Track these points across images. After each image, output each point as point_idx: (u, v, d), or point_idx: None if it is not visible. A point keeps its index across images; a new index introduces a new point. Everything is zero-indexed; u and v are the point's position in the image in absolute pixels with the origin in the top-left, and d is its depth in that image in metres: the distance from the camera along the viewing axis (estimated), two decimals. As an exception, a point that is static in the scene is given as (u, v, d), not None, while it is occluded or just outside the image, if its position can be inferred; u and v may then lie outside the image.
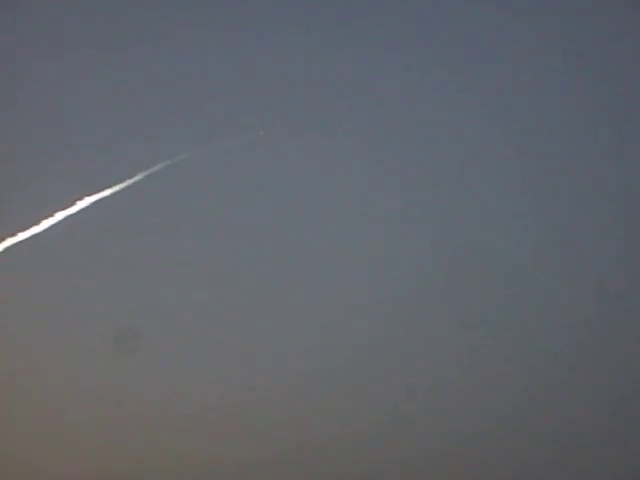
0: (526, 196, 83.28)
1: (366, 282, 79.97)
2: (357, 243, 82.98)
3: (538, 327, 79.31)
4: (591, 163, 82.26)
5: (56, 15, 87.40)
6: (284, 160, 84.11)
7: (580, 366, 78.09)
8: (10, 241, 77.98)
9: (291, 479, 76.61)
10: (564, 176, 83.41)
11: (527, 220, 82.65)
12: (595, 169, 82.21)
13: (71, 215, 80.00)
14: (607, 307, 78.92)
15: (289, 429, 76.45)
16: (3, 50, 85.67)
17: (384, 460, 76.04)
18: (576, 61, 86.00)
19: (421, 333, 79.27)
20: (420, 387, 77.35)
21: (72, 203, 80.00)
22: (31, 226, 78.92)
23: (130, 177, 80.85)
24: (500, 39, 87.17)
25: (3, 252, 77.16)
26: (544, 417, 76.71)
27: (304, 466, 76.57)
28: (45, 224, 79.13)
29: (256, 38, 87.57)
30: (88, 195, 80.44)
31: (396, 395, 77.29)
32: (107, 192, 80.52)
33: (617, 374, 76.95)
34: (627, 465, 73.66)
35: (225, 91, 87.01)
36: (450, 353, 78.53)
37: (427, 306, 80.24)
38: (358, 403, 77.35)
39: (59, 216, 79.67)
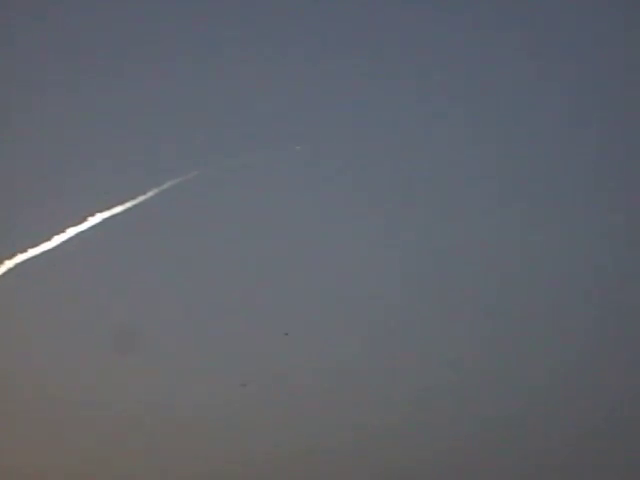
0: (524, 200, 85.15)
1: (366, 290, 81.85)
2: (356, 247, 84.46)
3: (537, 326, 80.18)
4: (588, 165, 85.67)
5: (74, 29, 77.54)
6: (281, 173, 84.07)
7: (578, 365, 78.36)
8: (21, 254, 79.16)
9: (291, 478, 76.10)
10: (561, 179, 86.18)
11: (524, 223, 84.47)
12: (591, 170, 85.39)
13: (79, 229, 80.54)
14: (605, 305, 79.91)
15: (288, 429, 76.88)
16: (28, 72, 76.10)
17: (384, 461, 76.99)
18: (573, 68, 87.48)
19: (419, 334, 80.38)
20: (419, 386, 78.45)
21: (81, 218, 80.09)
22: (42, 240, 79.60)
23: (142, 193, 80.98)
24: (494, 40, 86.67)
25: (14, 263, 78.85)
26: (542, 415, 77.14)
27: (303, 465, 76.07)
28: (55, 238, 79.94)
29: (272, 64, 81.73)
30: (97, 211, 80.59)
31: (396, 396, 77.90)
32: (119, 207, 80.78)
33: (616, 372, 78.03)
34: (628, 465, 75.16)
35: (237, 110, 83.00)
36: (449, 352, 78.69)
37: (426, 307, 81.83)
38: (360, 402, 78.13)
39: (69, 229, 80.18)
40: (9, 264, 77.81)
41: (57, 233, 79.12)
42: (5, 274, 77.42)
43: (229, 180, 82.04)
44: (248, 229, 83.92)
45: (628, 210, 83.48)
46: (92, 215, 79.75)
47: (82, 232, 79.75)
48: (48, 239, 79.18)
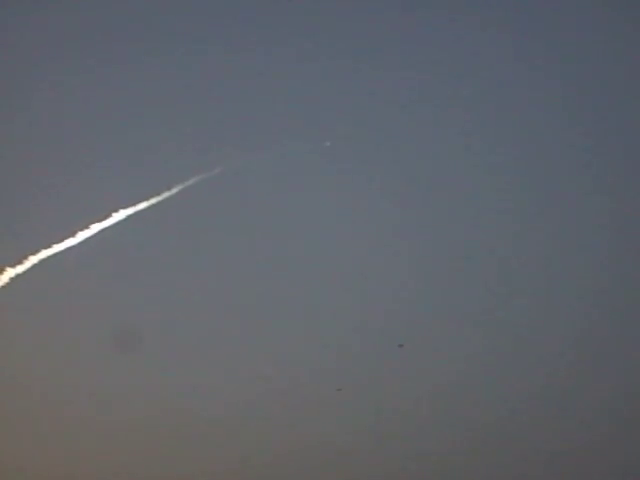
0: (525, 201, 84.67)
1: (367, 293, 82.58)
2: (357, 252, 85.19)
3: (536, 327, 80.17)
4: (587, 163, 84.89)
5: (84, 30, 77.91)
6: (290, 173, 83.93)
7: (577, 366, 78.15)
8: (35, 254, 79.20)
9: (289, 478, 75.62)
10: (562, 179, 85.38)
11: (524, 224, 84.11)
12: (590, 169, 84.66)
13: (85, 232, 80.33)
14: (604, 307, 79.49)
15: (287, 429, 76.75)
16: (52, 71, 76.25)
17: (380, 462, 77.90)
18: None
19: (420, 335, 79.78)
20: (417, 387, 78.58)
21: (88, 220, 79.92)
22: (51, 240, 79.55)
23: (166, 190, 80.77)
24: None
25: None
26: (541, 415, 77.16)
27: (301, 466, 75.57)
28: (80, 234, 79.91)
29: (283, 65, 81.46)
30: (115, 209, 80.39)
31: (396, 396, 78.26)
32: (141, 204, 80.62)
33: (615, 374, 77.75)
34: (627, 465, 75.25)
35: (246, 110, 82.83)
36: (447, 353, 78.96)
37: (426, 307, 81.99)
38: (358, 404, 78.76)
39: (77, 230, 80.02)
40: (33, 259, 78.17)
41: (81, 229, 79.41)
42: (30, 269, 77.90)
43: (253, 176, 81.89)
44: (274, 225, 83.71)
45: (629, 209, 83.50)
46: (116, 211, 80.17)
47: (106, 228, 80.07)
48: (72, 235, 79.42)
